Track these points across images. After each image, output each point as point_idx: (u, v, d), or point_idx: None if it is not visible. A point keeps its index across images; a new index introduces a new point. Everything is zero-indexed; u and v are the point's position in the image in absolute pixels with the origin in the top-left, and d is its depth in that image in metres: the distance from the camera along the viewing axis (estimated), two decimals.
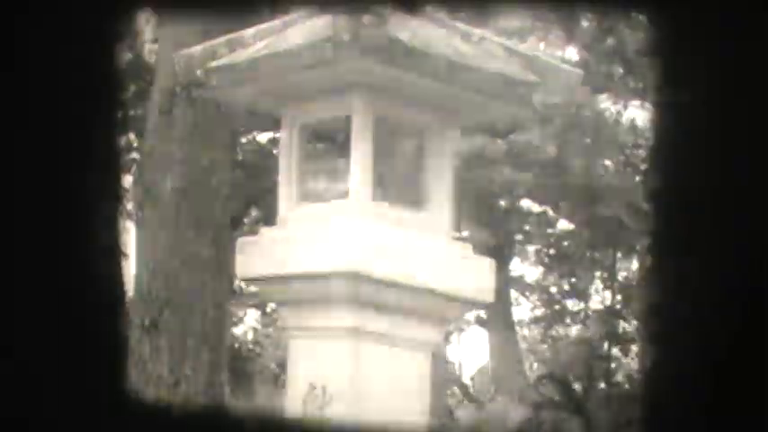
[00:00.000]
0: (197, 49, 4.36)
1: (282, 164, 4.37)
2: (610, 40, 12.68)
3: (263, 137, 15.90)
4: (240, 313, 20.80)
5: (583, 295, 21.16)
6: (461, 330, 24.18)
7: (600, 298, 20.63)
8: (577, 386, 14.86)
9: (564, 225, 19.51)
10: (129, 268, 7.62)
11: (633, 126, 15.36)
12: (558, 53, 14.73)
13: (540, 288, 22.38)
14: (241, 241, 4.47)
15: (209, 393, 7.07)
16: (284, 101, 4.35)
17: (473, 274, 4.22)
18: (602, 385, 15.96)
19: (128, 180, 10.27)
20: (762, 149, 2.43)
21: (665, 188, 2.52)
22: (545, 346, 23.34)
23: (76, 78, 2.66)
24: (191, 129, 7.30)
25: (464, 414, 17.03)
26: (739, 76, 2.44)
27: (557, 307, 22.00)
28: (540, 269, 21.95)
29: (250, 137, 15.62)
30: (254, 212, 16.21)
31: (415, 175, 4.32)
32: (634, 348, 17.92)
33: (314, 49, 3.89)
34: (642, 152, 15.11)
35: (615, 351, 18.03)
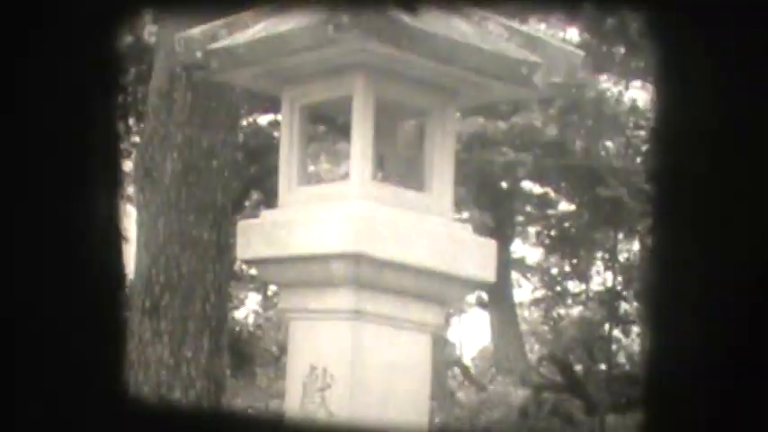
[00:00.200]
0: (197, 31, 4.35)
1: (283, 146, 4.36)
2: (611, 21, 12.64)
3: (263, 119, 15.91)
4: (241, 296, 20.85)
5: (584, 277, 21.20)
6: (462, 312, 24.23)
7: (601, 279, 20.68)
8: (578, 367, 14.90)
9: (565, 206, 19.53)
10: (130, 252, 7.62)
11: (634, 107, 15.35)
12: (560, 33, 14.71)
13: (541, 269, 22.43)
14: (242, 224, 4.46)
15: (209, 377, 7.08)
16: (284, 82, 4.33)
17: (474, 255, 4.22)
18: (603, 367, 15.99)
19: (128, 164, 10.26)
20: (764, 130, 2.42)
21: (665, 169, 2.51)
22: (546, 327, 23.38)
23: (76, 61, 2.65)
24: (191, 111, 7.29)
25: (465, 396, 17.07)
26: (740, 56, 2.43)
27: (558, 288, 22.05)
28: (541, 250, 21.99)
29: (251, 119, 15.62)
30: (254, 195, 16.23)
31: (416, 157, 4.31)
32: (635, 330, 17.95)
33: (314, 30, 3.87)
34: (644, 133, 15.10)
35: (616, 332, 18.06)
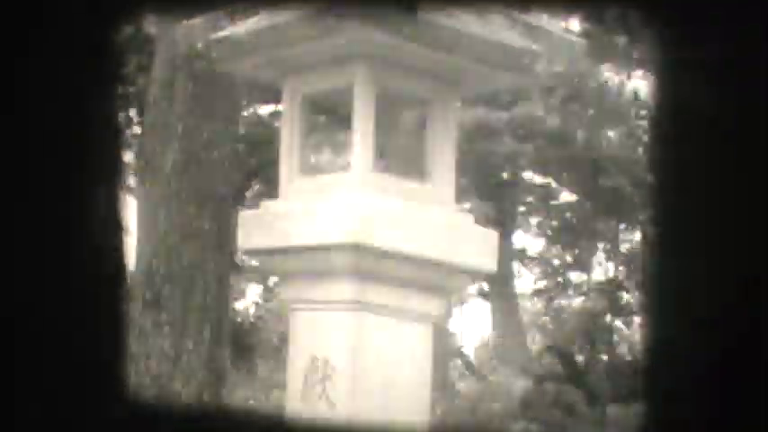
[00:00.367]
0: (197, 20, 4.33)
1: (284, 136, 4.34)
2: (613, 9, 12.60)
3: (264, 110, 15.90)
4: (242, 287, 20.85)
5: (585, 267, 21.20)
6: (464, 303, 24.24)
7: (602, 270, 20.68)
8: (580, 358, 14.91)
9: (566, 197, 19.52)
10: (130, 243, 7.61)
11: (636, 96, 15.33)
12: (561, 23, 14.67)
13: (543, 260, 22.43)
14: (242, 215, 4.45)
15: (210, 368, 7.08)
16: (285, 72, 4.31)
17: (476, 246, 4.20)
18: (605, 357, 16.00)
19: (129, 154, 10.25)
20: (764, 119, 2.41)
21: (666, 159, 2.50)
22: (547, 318, 23.40)
23: (77, 52, 2.64)
24: (192, 102, 7.28)
25: (466, 386, 17.08)
26: (740, 46, 2.42)
27: (559, 279, 22.05)
28: (543, 241, 21.99)
29: (251, 110, 15.61)
30: (255, 186, 16.23)
31: (418, 147, 4.30)
32: (636, 320, 17.96)
33: (315, 20, 3.85)
34: (645, 123, 15.08)
35: (617, 323, 18.07)
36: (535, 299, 23.96)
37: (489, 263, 4.26)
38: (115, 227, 2.76)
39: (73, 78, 2.64)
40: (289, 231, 4.11)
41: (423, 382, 4.18)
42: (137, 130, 11.73)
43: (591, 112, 14.86)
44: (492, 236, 4.30)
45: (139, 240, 7.33)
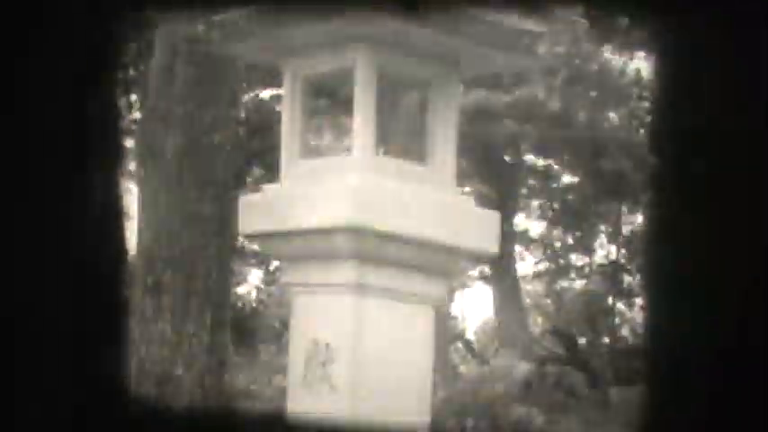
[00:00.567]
0: (198, 3, 4.30)
1: (285, 119, 4.33)
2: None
3: (265, 93, 15.87)
4: (243, 272, 20.86)
5: (587, 249, 21.20)
6: (465, 285, 24.25)
7: (604, 252, 20.68)
8: (581, 341, 14.93)
9: (568, 179, 19.50)
10: (131, 228, 7.60)
11: (639, 78, 15.28)
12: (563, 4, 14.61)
13: (545, 242, 22.41)
14: (243, 199, 4.44)
15: (212, 352, 7.09)
16: (286, 55, 4.30)
17: (477, 228, 4.19)
18: (606, 339, 16.03)
19: (129, 140, 10.24)
20: (763, 99, 2.40)
21: (667, 140, 2.50)
22: (549, 300, 23.43)
23: (78, 38, 2.63)
24: (192, 86, 7.26)
25: (468, 369, 17.12)
26: (739, 27, 2.41)
27: (561, 261, 22.05)
28: (545, 223, 21.98)
29: (252, 94, 15.58)
30: (256, 170, 16.21)
31: (419, 129, 4.28)
32: (638, 302, 17.98)
33: (316, 2, 3.83)
34: (647, 104, 15.04)
35: (619, 305, 18.09)
36: (537, 281, 23.96)
37: (490, 245, 4.25)
38: (116, 212, 2.76)
39: (74, 67, 2.64)
40: (290, 215, 4.10)
41: (424, 365, 4.17)
42: (137, 115, 11.71)
43: (592, 93, 14.82)
44: (493, 218, 4.29)
45: (140, 225, 7.32)
